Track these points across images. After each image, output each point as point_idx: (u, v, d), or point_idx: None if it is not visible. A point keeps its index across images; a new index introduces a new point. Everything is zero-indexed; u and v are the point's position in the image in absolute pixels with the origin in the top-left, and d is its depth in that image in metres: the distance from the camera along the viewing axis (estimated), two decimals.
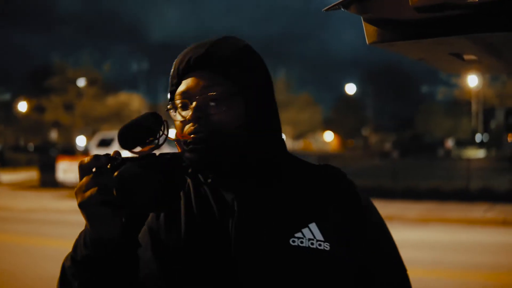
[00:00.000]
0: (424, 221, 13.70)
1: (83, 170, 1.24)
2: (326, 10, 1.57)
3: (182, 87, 1.40)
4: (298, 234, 1.35)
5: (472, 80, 44.13)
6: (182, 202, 1.41)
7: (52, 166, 24.01)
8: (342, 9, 1.57)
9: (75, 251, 1.29)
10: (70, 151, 30.06)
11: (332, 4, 1.54)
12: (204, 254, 1.35)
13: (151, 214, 1.40)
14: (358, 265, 1.40)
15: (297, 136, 65.35)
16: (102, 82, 39.07)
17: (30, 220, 14.91)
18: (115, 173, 1.18)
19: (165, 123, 1.28)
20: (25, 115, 65.38)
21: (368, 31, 1.69)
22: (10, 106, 66.30)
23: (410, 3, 1.41)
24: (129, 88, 70.25)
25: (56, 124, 37.63)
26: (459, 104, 53.93)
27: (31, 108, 50.89)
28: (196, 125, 1.35)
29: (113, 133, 29.08)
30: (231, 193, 1.39)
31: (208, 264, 1.34)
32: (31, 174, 27.61)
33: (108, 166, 1.22)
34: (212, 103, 1.36)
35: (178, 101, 1.40)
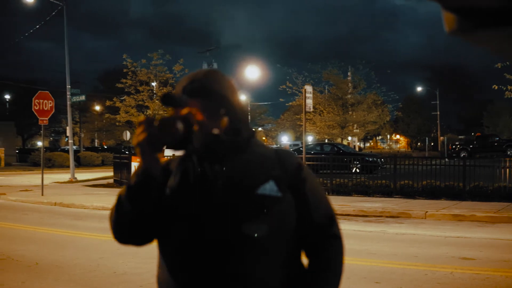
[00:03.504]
0: (492, 221, 13.62)
1: (139, 124, 1.97)
2: None
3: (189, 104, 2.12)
4: (262, 187, 2.07)
5: None
6: (190, 165, 2.16)
7: (126, 165, 24.69)
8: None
9: (130, 182, 2.02)
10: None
11: None
12: (190, 195, 2.10)
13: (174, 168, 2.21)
14: (299, 209, 2.12)
15: (365, 136, 64.91)
16: (174, 83, 39.66)
17: (104, 217, 15.44)
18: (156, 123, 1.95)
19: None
20: (99, 116, 67.19)
21: (448, 19, 1.71)
22: (85, 108, 68.39)
23: None
24: None
25: (129, 124, 38.51)
26: None
27: (105, 110, 52.22)
28: None
29: None
30: (218, 162, 2.13)
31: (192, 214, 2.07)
32: (106, 173, 28.51)
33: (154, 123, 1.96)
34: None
35: None
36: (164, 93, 2.07)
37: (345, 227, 12.02)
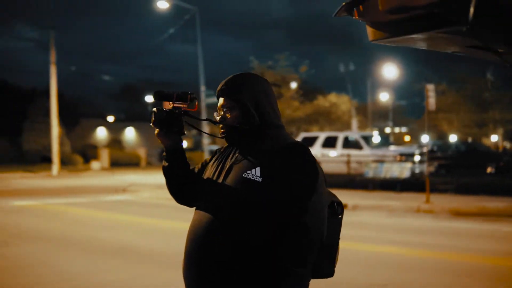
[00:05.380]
0: None
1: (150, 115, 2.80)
2: (335, 16, 2.27)
3: (219, 103, 2.81)
4: (249, 172, 2.61)
5: None
6: (217, 154, 2.89)
7: None
8: (347, 15, 2.22)
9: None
10: None
11: (337, 10, 2.23)
12: (209, 177, 2.78)
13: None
14: (276, 195, 2.53)
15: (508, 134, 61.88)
16: (305, 84, 40.16)
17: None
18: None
19: (191, 95, 2.81)
20: None
21: (368, 31, 2.29)
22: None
23: (380, 8, 2.02)
24: (336, 89, 71.33)
25: None
26: None
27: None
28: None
29: (315, 133, 30.25)
30: (234, 151, 2.76)
31: (209, 183, 2.76)
32: None
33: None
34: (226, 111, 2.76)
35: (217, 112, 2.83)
36: (155, 90, 2.78)
37: None
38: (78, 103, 73.20)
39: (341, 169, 23.82)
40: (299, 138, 28.16)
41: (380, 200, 17.54)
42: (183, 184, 2.92)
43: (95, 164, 50.45)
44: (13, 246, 10.79)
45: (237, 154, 2.72)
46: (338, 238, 2.78)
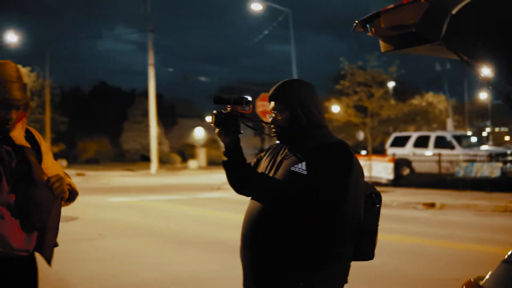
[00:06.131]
0: None
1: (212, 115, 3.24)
2: (354, 31, 2.68)
3: (270, 106, 3.19)
4: (296, 166, 2.98)
5: None
6: (270, 151, 3.26)
7: None
8: (363, 30, 2.64)
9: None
10: (379, 150, 31.50)
11: (354, 26, 2.65)
12: (262, 171, 3.17)
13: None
14: (318, 186, 2.89)
15: None
16: (400, 83, 39.66)
17: None
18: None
19: (246, 100, 3.20)
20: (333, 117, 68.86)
21: (380, 44, 2.73)
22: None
23: (382, 25, 2.44)
24: (434, 89, 69.94)
25: (349, 125, 39.31)
26: None
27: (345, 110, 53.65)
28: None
29: (408, 133, 30.06)
30: (284, 148, 3.14)
31: (262, 175, 3.16)
32: None
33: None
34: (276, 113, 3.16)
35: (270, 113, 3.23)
36: (215, 96, 3.24)
37: None
38: (176, 103, 75.42)
39: (433, 168, 23.66)
40: (391, 138, 28.11)
41: (468, 200, 17.37)
42: (240, 176, 3.34)
43: (192, 163, 51.89)
44: (108, 238, 11.65)
45: (286, 151, 3.11)
46: (377, 225, 3.12)
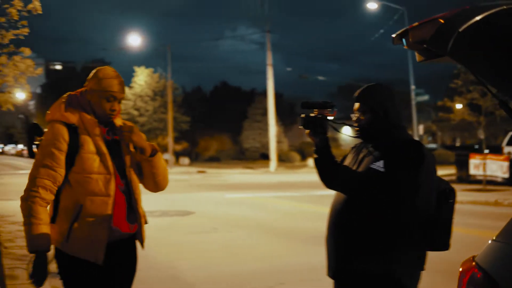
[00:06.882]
0: None
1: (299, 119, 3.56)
2: (394, 44, 3.04)
3: (354, 107, 3.52)
4: (375, 163, 3.30)
5: None
6: (354, 149, 3.63)
7: (467, 162, 25.57)
8: (401, 44, 2.99)
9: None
10: (495, 149, 30.64)
11: (392, 39, 3.01)
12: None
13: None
14: (394, 183, 3.23)
15: None
16: None
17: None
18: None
19: (330, 104, 3.53)
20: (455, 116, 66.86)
21: (416, 55, 3.07)
22: (443, 107, 68.84)
23: (410, 40, 2.76)
24: None
25: (463, 123, 38.18)
26: None
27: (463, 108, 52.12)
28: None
29: None
30: (365, 146, 3.49)
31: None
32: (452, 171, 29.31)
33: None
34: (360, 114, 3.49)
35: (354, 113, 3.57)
36: (303, 101, 3.60)
37: None
38: (295, 102, 75.95)
39: None
40: (508, 137, 27.14)
41: None
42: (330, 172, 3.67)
43: (311, 161, 52.17)
44: (220, 232, 12.30)
45: (368, 149, 3.45)
46: (452, 218, 3.42)
